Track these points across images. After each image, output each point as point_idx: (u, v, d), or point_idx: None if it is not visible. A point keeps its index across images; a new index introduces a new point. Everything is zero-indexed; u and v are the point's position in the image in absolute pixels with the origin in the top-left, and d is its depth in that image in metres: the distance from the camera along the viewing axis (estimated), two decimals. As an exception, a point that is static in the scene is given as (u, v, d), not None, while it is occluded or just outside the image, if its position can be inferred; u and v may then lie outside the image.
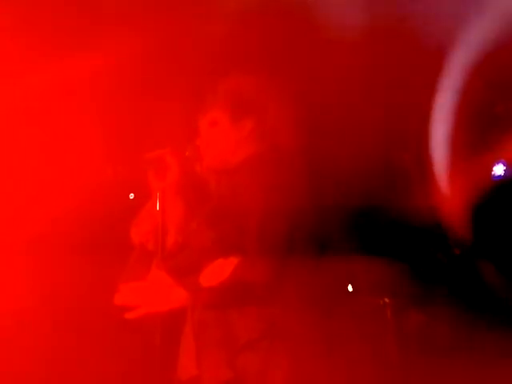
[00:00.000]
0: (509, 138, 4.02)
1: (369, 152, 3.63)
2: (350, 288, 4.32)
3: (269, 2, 3.11)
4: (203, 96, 2.45)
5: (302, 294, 2.24)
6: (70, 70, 3.35)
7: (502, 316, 3.88)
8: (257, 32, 3.25)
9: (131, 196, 3.43)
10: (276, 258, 2.13)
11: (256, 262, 2.12)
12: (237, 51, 3.27)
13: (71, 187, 3.68)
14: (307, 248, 2.19)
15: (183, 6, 3.14)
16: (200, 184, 2.46)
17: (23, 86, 3.39)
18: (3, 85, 3.37)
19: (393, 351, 4.13)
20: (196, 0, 3.11)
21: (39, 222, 3.70)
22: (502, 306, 3.87)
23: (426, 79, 3.70)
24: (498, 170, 4.16)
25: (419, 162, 4.05)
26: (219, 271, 2.12)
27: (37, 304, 3.63)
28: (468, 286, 4.12)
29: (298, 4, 3.13)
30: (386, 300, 4.25)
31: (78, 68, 3.34)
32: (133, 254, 2.47)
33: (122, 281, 2.32)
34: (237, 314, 2.16)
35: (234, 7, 3.02)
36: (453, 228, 4.27)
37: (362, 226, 3.98)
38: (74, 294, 3.71)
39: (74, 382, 3.64)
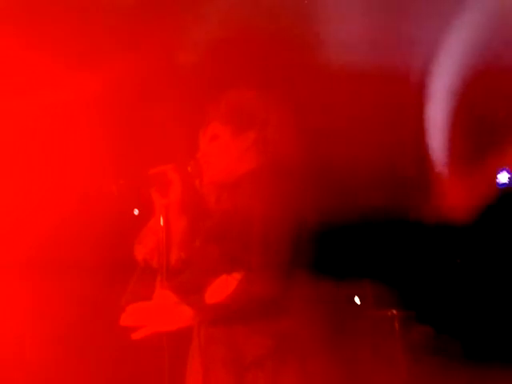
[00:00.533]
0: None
1: (370, 162, 3.62)
2: (357, 300, 4.30)
3: (270, 19, 3.12)
4: (205, 111, 2.44)
5: (309, 308, 2.22)
6: (76, 87, 3.35)
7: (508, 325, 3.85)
8: (257, 47, 3.25)
9: (136, 212, 3.42)
10: (281, 272, 2.11)
11: (260, 276, 2.09)
12: (237, 66, 3.27)
13: (75, 203, 3.67)
14: (311, 263, 2.17)
15: (183, 22, 3.15)
16: (202, 199, 2.44)
17: (31, 101, 3.40)
18: (13, 99, 3.38)
19: (402, 363, 4.09)
20: (197, 16, 3.12)
21: (41, 238, 3.69)
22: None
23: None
24: (503, 177, 4.13)
25: (422, 171, 4.02)
26: (224, 287, 2.09)
27: (38, 322, 3.61)
28: (472, 296, 4.09)
29: (299, 22, 3.14)
30: (394, 312, 4.22)
31: (82, 85, 3.35)
32: (136, 270, 2.46)
33: (126, 298, 2.30)
34: (243, 331, 2.14)
35: (235, 23, 3.02)
36: (457, 235, 4.24)
37: (366, 237, 3.96)
38: (76, 312, 3.69)
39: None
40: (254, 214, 2.14)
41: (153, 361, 2.16)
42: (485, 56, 3.45)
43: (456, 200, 3.93)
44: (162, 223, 2.39)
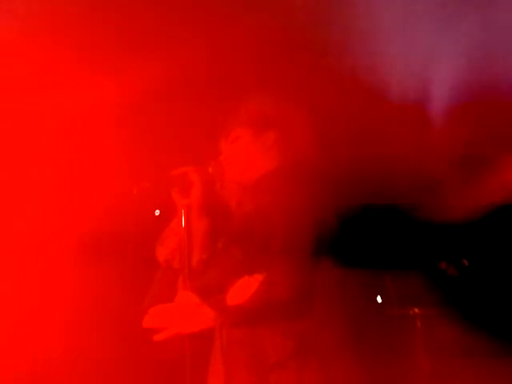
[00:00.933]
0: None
1: (389, 161, 3.61)
2: (379, 299, 4.28)
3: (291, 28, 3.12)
4: (226, 114, 2.45)
5: (331, 308, 2.22)
6: (98, 89, 3.38)
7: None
8: (278, 52, 3.25)
9: (157, 213, 3.43)
10: (302, 273, 2.11)
11: (282, 277, 2.10)
12: (258, 71, 3.27)
13: (98, 204, 3.70)
14: (333, 261, 2.17)
15: (206, 28, 3.16)
16: (223, 201, 2.45)
17: (52, 104, 3.43)
18: (37, 102, 3.42)
19: (423, 362, 4.08)
20: (220, 22, 3.12)
21: (64, 239, 3.73)
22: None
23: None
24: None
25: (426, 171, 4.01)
26: (245, 289, 2.10)
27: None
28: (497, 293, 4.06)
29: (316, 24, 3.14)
30: (416, 310, 4.20)
31: (105, 88, 3.37)
32: (158, 271, 2.47)
33: (148, 299, 2.32)
34: (266, 332, 2.14)
35: (255, 31, 3.03)
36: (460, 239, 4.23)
37: (386, 236, 3.95)
38: (99, 313, 3.72)
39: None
40: (276, 214, 2.15)
41: (175, 362, 2.17)
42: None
43: (459, 200, 3.92)
44: (183, 224, 2.40)
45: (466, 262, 4.18)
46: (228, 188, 2.44)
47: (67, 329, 3.72)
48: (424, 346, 4.12)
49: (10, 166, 3.62)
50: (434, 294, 4.13)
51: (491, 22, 3.23)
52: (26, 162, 3.64)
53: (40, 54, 3.24)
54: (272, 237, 2.11)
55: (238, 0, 3.11)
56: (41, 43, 3.20)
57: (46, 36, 3.17)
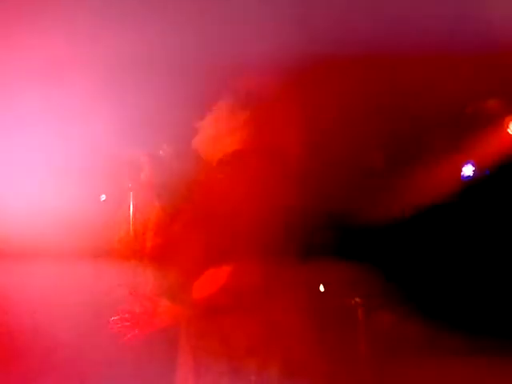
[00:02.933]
0: (478, 139, 4.06)
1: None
2: (321, 288, 4.30)
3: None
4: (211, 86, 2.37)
5: (294, 296, 2.20)
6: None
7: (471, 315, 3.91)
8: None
9: (103, 197, 3.32)
10: (268, 261, 2.08)
11: (250, 267, 2.06)
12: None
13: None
14: (296, 250, 2.15)
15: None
16: (181, 182, 2.38)
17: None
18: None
19: (364, 351, 4.12)
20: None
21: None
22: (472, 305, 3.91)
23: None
24: (467, 170, 4.19)
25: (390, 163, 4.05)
26: (213, 281, 2.06)
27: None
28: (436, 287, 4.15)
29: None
30: (358, 300, 4.23)
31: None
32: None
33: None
34: (233, 322, 2.11)
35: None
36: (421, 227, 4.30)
37: (338, 227, 3.97)
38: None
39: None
40: (243, 197, 2.11)
41: (144, 358, 2.12)
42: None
43: (421, 191, 3.98)
44: (131, 209, 2.35)
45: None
46: (194, 166, 2.36)
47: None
48: (365, 334, 4.16)
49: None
50: (375, 284, 4.18)
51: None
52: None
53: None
54: (238, 221, 2.07)
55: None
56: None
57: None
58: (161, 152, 2.47)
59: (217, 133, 2.30)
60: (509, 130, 4.07)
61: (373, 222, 3.92)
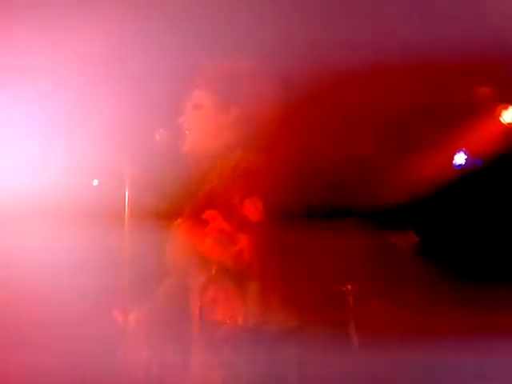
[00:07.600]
0: (470, 127, 4.07)
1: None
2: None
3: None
4: (189, 76, 2.36)
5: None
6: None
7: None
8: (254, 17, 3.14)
9: (95, 183, 3.34)
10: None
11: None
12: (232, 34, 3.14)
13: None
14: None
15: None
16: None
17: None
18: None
19: (354, 337, 4.16)
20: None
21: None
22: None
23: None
24: (460, 159, 4.22)
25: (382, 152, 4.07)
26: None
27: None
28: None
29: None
30: (349, 287, 4.26)
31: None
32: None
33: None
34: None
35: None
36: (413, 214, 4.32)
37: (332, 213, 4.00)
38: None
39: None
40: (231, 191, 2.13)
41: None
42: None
43: (416, 179, 4.00)
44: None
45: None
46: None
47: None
48: (355, 320, 4.19)
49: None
50: (367, 269, 4.21)
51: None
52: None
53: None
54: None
55: None
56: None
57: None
58: (157, 136, 2.47)
59: (207, 129, 2.32)
60: (501, 119, 4.09)
61: (366, 210, 3.95)
